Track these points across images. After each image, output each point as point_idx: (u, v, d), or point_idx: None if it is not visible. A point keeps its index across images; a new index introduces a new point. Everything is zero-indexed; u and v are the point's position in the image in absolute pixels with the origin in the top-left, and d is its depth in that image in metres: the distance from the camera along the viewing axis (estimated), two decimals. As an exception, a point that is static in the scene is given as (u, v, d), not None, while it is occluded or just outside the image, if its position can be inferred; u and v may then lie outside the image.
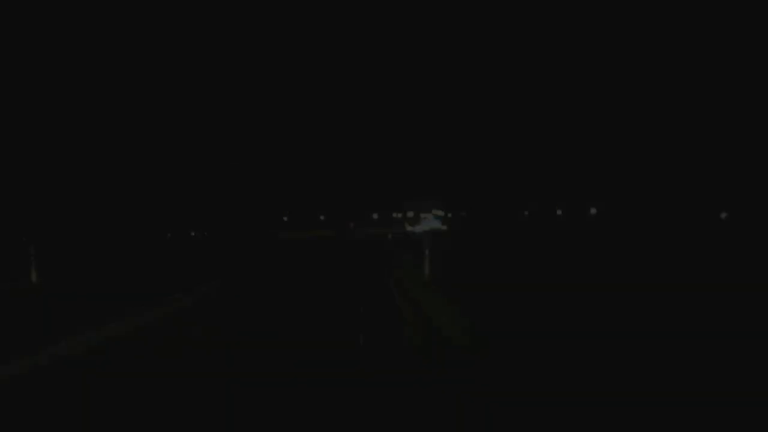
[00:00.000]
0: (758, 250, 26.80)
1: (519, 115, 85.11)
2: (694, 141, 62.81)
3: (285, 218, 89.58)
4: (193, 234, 57.22)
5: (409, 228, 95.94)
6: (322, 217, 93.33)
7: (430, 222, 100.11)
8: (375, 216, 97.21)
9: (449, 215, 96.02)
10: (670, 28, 65.99)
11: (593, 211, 79.49)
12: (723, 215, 59.80)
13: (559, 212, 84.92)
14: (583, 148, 77.84)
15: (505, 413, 6.34)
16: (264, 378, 7.92)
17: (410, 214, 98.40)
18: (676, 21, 65.72)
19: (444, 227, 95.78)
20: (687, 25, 65.46)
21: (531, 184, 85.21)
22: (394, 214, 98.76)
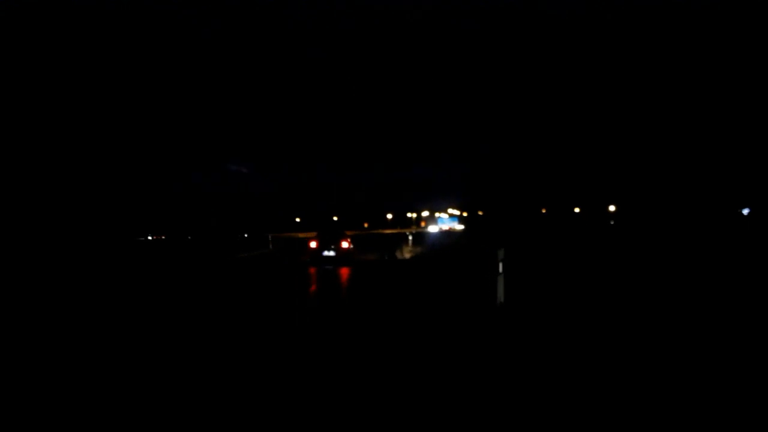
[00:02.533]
0: None
1: (536, 114, 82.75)
2: (712, 135, 59.79)
3: (297, 219, 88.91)
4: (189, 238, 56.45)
5: (425, 228, 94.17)
6: (335, 218, 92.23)
7: (446, 221, 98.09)
8: (389, 216, 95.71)
9: (465, 214, 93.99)
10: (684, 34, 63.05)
11: (612, 208, 76.61)
12: (745, 211, 56.62)
13: (577, 210, 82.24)
14: (599, 145, 75.12)
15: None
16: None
17: (425, 213, 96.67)
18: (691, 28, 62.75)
19: (461, 227, 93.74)
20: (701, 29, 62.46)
21: (548, 183, 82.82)
22: (409, 214, 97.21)
